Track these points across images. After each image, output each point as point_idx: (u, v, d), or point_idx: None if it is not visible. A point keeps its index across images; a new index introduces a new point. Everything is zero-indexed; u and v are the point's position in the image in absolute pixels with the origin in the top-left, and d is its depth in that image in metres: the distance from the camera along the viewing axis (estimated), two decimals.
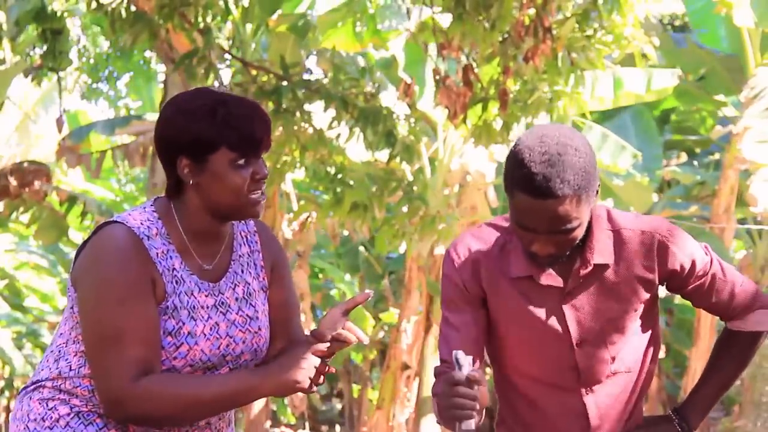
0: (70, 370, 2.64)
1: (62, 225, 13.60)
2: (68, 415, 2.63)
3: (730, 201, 14.83)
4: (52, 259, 20.63)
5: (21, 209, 13.23)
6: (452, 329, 2.83)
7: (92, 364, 2.56)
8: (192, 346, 2.60)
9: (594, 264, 2.76)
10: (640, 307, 2.80)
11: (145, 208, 2.68)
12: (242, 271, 2.74)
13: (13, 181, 12.81)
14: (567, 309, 2.78)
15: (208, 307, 2.65)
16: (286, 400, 20.03)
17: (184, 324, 2.60)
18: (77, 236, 19.48)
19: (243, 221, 2.78)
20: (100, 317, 2.55)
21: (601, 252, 2.76)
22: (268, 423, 15.97)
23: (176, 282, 2.62)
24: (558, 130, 2.68)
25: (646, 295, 2.79)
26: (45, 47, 12.31)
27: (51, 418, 2.63)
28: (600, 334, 2.78)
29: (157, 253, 2.61)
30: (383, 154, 10.73)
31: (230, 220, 2.69)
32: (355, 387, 22.38)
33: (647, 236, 2.78)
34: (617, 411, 2.83)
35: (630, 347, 2.82)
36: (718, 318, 2.91)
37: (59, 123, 12.89)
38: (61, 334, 2.70)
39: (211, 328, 2.64)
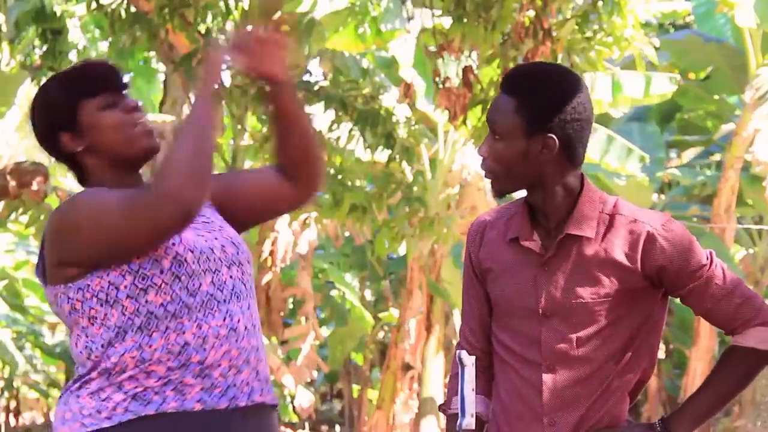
0: (103, 347, 2.66)
1: None
2: (124, 400, 2.64)
3: (730, 201, 14.83)
4: None
5: (20, 210, 13.22)
6: (466, 305, 2.90)
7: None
8: (181, 236, 2.69)
9: (566, 233, 2.72)
10: (613, 295, 2.72)
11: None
12: None
13: (12, 181, 12.80)
14: (540, 278, 2.75)
15: None
16: (294, 402, 20.05)
17: None
18: None
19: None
20: (93, 228, 2.63)
21: (580, 225, 2.73)
22: None
23: None
24: (568, 72, 2.80)
25: (620, 285, 2.72)
26: (45, 47, 12.31)
27: (107, 408, 2.64)
28: (567, 312, 2.74)
29: None
30: (383, 156, 10.73)
31: (135, 163, 2.78)
32: (355, 387, 22.38)
33: (638, 226, 2.73)
34: (576, 400, 2.75)
35: (600, 338, 2.74)
36: None
37: None
38: (72, 332, 2.73)
39: (185, 233, 2.73)
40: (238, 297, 2.76)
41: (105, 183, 2.75)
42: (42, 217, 13.39)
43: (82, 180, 2.80)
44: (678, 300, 2.83)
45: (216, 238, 2.77)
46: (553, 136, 2.70)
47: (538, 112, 2.69)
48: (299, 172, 2.94)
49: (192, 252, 2.69)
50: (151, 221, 2.58)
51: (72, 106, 2.73)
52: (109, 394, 2.64)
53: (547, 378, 2.76)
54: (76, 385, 2.69)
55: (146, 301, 2.66)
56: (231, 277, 2.76)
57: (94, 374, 2.67)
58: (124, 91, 2.78)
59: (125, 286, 2.65)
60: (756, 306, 2.77)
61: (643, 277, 2.73)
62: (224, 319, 2.71)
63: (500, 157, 2.72)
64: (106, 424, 2.63)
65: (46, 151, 2.80)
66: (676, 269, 2.73)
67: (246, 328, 2.74)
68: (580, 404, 2.76)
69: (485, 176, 2.78)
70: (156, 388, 2.65)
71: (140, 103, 2.78)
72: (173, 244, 2.66)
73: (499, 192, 2.78)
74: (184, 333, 2.66)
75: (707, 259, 2.76)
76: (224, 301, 2.72)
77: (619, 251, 2.72)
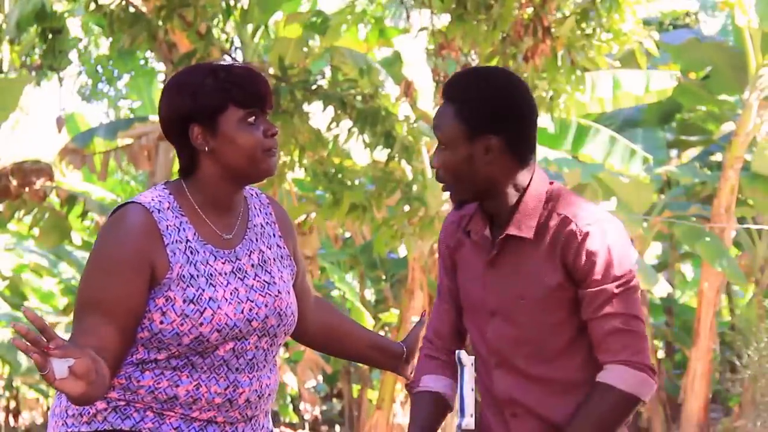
0: None
1: (64, 226, 13.61)
2: (105, 410, 2.65)
3: (730, 201, 14.83)
4: (52, 259, 20.64)
5: (22, 211, 13.24)
6: (437, 301, 2.90)
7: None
8: (215, 310, 2.62)
9: (506, 233, 2.71)
10: (550, 294, 2.69)
11: (156, 187, 2.73)
12: (257, 240, 2.77)
13: (13, 181, 12.81)
14: (487, 276, 2.75)
15: (226, 274, 2.68)
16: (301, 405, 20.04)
17: (203, 290, 2.63)
18: (78, 237, 19.48)
19: (256, 195, 2.84)
20: (84, 285, 2.62)
21: (520, 225, 2.70)
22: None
23: (190, 252, 2.65)
24: (504, 71, 2.81)
25: (555, 284, 2.68)
26: (44, 47, 12.32)
27: (89, 413, 2.65)
28: (510, 310, 2.72)
29: (168, 226, 2.64)
30: (382, 155, 10.73)
31: (248, 182, 2.73)
32: (355, 387, 22.37)
33: (566, 224, 2.69)
34: (532, 401, 2.73)
35: (543, 336, 2.71)
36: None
37: (59, 122, 12.89)
38: None
39: (231, 293, 2.65)
40: (252, 368, 2.70)
41: (209, 190, 2.69)
42: (46, 216, 13.41)
43: (186, 173, 2.72)
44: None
45: (264, 306, 2.70)
46: (494, 137, 2.68)
47: (475, 114, 2.67)
48: (315, 345, 3.03)
49: (219, 332, 2.63)
50: None
51: (221, 105, 2.65)
52: None
53: (497, 374, 2.75)
54: None
55: (155, 357, 2.65)
56: (256, 347, 2.70)
57: None
58: (268, 112, 2.72)
59: (141, 337, 2.64)
60: (633, 343, 2.66)
61: (567, 272, 2.69)
62: (226, 389, 2.67)
63: (449, 166, 2.70)
64: (84, 429, 2.65)
65: (166, 129, 2.72)
66: (582, 269, 2.67)
67: (248, 400, 2.69)
68: (534, 401, 2.73)
69: (442, 189, 2.75)
70: (137, 407, 2.65)
71: (276, 129, 2.71)
72: (201, 323, 2.61)
73: (458, 202, 2.76)
74: (177, 387, 2.65)
75: (623, 276, 2.68)
76: (236, 369, 2.68)
77: (551, 250, 2.70)
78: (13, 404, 26.38)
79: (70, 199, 13.31)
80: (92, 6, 9.76)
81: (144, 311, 2.62)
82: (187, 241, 2.66)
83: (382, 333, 20.32)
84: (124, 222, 2.63)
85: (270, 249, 2.78)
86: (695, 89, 16.05)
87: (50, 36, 12.27)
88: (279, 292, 2.74)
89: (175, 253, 2.63)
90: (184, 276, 2.62)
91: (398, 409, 14.21)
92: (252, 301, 2.68)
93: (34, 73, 12.87)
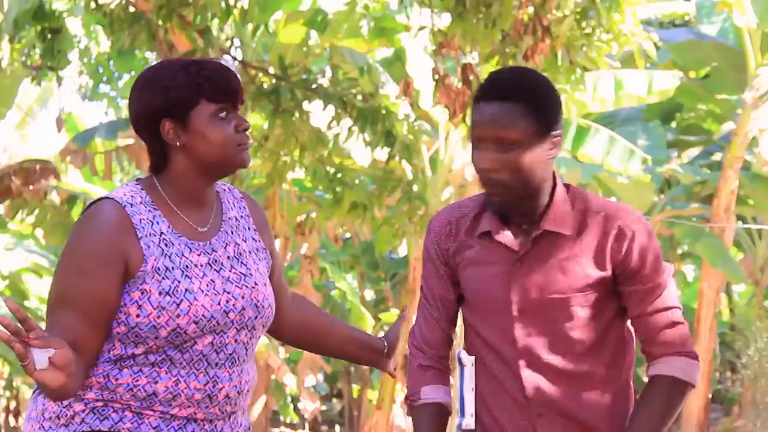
0: None
1: (67, 224, 13.62)
2: (83, 411, 2.63)
3: (730, 201, 14.83)
4: (52, 259, 20.65)
5: (25, 211, 13.24)
6: (426, 308, 2.85)
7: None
8: (192, 302, 2.61)
9: (544, 229, 2.70)
10: (590, 293, 2.71)
11: (127, 184, 2.73)
12: (232, 233, 2.77)
13: (16, 181, 12.82)
14: (513, 274, 2.72)
15: (201, 266, 2.67)
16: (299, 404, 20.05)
17: (179, 282, 2.62)
18: None
19: (228, 190, 2.85)
20: (57, 282, 2.61)
21: (557, 221, 2.70)
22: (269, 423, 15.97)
23: (165, 245, 2.64)
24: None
25: (593, 281, 2.70)
26: (44, 46, 12.31)
27: (66, 415, 2.63)
28: (541, 308, 2.71)
29: (141, 219, 2.63)
30: (383, 154, 10.73)
31: (220, 177, 2.73)
32: (355, 387, 22.37)
33: (609, 220, 2.71)
34: (562, 398, 2.72)
35: (576, 333, 2.72)
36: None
37: (59, 122, 12.89)
38: None
39: (207, 285, 2.65)
40: (233, 362, 2.69)
41: (181, 185, 2.69)
42: (48, 216, 13.41)
43: (157, 168, 2.72)
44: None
45: (241, 297, 2.69)
46: (560, 133, 2.71)
47: (547, 113, 2.68)
48: (294, 342, 3.02)
49: (196, 323, 2.61)
50: None
51: (193, 100, 2.65)
52: (71, 402, 2.63)
53: (527, 373, 2.73)
54: None
55: (132, 353, 2.63)
56: (235, 341, 2.69)
57: None
58: (240, 107, 2.72)
59: (118, 332, 2.62)
60: (683, 334, 2.74)
61: (612, 271, 2.71)
62: (206, 384, 2.65)
63: (519, 167, 2.66)
64: (62, 431, 2.63)
65: (136, 125, 2.71)
66: (634, 266, 2.71)
67: (227, 396, 2.68)
68: (570, 404, 2.73)
69: (491, 191, 2.69)
70: (116, 407, 2.63)
71: (248, 124, 2.72)
72: (178, 315, 2.59)
73: (501, 206, 2.73)
74: (156, 383, 2.63)
75: (665, 270, 2.74)
76: (215, 364, 2.66)
77: (591, 247, 2.71)
78: (13, 404, 26.39)
79: (71, 199, 13.31)
80: (92, 5, 9.76)
81: (119, 306, 2.60)
82: (161, 233, 2.65)
83: (382, 333, 20.31)
84: (97, 217, 2.62)
85: (245, 242, 2.78)
86: (695, 89, 16.06)
87: (49, 36, 12.26)
88: (256, 284, 2.73)
89: (149, 246, 2.62)
90: (159, 268, 2.61)
91: (398, 409, 14.21)
92: (229, 293, 2.67)
93: (34, 73, 12.85)
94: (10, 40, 12.20)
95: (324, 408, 26.51)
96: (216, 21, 10.41)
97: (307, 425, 22.96)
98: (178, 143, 2.66)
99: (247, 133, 2.72)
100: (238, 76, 2.76)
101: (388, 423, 14.20)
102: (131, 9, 9.58)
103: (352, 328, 3.07)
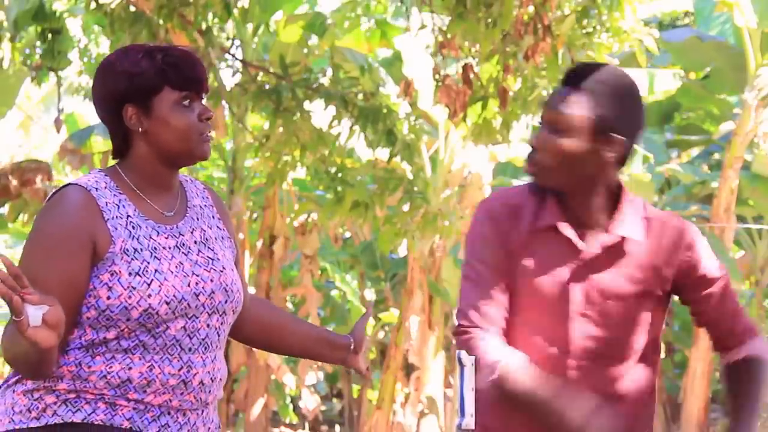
0: None
1: None
2: (55, 403, 2.60)
3: (730, 201, 14.83)
4: None
5: (26, 213, 13.23)
6: (487, 286, 2.74)
7: None
8: (162, 282, 2.60)
9: (620, 236, 2.69)
10: (651, 299, 2.72)
11: (91, 172, 2.73)
12: (197, 219, 2.77)
13: (13, 181, 12.81)
14: (577, 274, 2.70)
15: (170, 248, 2.67)
16: (300, 404, 20.01)
17: (148, 263, 2.61)
18: None
19: (190, 180, 2.85)
20: (24, 266, 2.57)
21: (628, 227, 2.70)
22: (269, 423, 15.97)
23: (132, 227, 2.64)
24: (632, 79, 2.78)
25: (655, 286, 2.72)
26: (44, 47, 12.30)
27: (37, 408, 2.61)
28: (602, 311, 2.70)
29: (107, 203, 2.63)
30: (384, 153, 10.73)
31: (181, 165, 2.73)
32: (355, 387, 22.36)
33: (677, 229, 2.73)
34: (607, 397, 2.71)
35: (632, 336, 2.73)
36: None
37: (58, 124, 12.88)
38: None
39: (176, 267, 2.64)
40: (206, 348, 2.68)
41: (144, 171, 2.69)
42: None
43: (120, 153, 2.72)
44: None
45: (209, 281, 2.68)
46: (623, 140, 2.68)
47: (611, 113, 2.66)
48: (255, 342, 3.00)
49: (167, 304, 2.60)
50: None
51: (156, 86, 2.65)
52: (42, 394, 2.61)
53: (573, 373, 2.71)
54: (15, 379, 2.66)
55: (104, 337, 2.61)
56: (208, 325, 2.68)
57: None
58: (204, 96, 2.73)
59: (88, 317, 2.61)
60: (749, 320, 2.82)
61: (672, 281, 2.74)
62: (180, 369, 2.64)
63: (560, 152, 2.67)
64: (33, 424, 2.61)
65: (99, 110, 2.72)
66: (701, 273, 2.74)
67: (202, 382, 2.67)
68: (610, 401, 2.72)
69: (529, 168, 2.69)
70: (88, 398, 2.61)
71: (212, 113, 2.72)
72: (149, 295, 2.58)
73: (542, 186, 2.72)
74: (130, 369, 2.60)
75: (724, 270, 2.80)
76: (189, 349, 2.65)
77: (662, 256, 2.72)
78: None
79: None
80: (92, 5, 9.75)
81: (87, 289, 2.59)
82: (128, 216, 2.65)
83: (382, 333, 20.29)
84: (62, 201, 2.62)
85: (210, 229, 2.78)
86: (695, 89, 16.05)
87: (50, 36, 12.26)
88: (224, 268, 2.73)
89: (116, 228, 2.62)
90: (127, 250, 2.61)
91: (398, 409, 14.20)
92: (197, 275, 2.67)
93: (34, 73, 12.85)
94: (10, 40, 12.18)
95: (324, 408, 26.50)
96: (216, 20, 10.41)
97: (307, 425, 22.94)
98: (140, 129, 2.67)
99: (210, 122, 2.72)
100: (202, 63, 2.75)
101: (388, 423, 14.19)
102: (132, 9, 9.57)
103: (313, 327, 3.04)
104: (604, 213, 2.72)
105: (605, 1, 8.57)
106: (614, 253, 2.71)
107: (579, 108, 2.66)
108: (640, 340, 2.74)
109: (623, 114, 2.68)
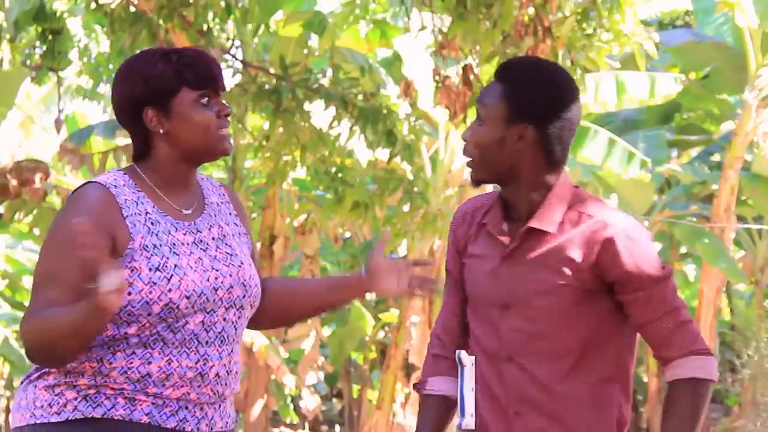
0: None
1: None
2: (75, 399, 2.64)
3: (730, 201, 14.84)
4: None
5: (23, 212, 13.23)
6: (445, 296, 2.89)
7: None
8: (182, 276, 2.64)
9: (528, 226, 2.71)
10: (566, 290, 2.69)
11: (109, 171, 2.77)
12: (215, 216, 2.81)
13: (12, 180, 12.81)
14: (502, 269, 2.73)
15: (188, 244, 2.71)
16: (300, 404, 20.03)
17: (168, 258, 2.65)
18: None
19: (206, 179, 2.88)
20: (43, 261, 2.63)
21: (543, 219, 2.71)
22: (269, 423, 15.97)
23: (151, 224, 2.68)
24: (564, 71, 2.79)
25: (574, 282, 2.69)
26: (44, 47, 12.31)
27: (58, 403, 2.64)
28: (525, 304, 2.71)
29: (126, 200, 2.67)
30: (384, 153, 10.74)
31: (202, 162, 2.78)
32: (355, 387, 22.39)
33: (600, 227, 2.69)
34: (539, 396, 2.71)
35: (556, 332, 2.71)
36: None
37: (58, 124, 12.89)
38: None
39: (195, 262, 2.68)
40: (222, 341, 2.72)
41: (165, 171, 2.74)
42: (48, 216, 13.39)
43: (141, 156, 2.76)
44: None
45: (228, 275, 2.73)
46: (531, 128, 2.69)
47: (522, 100, 2.68)
48: (278, 316, 2.98)
49: (187, 298, 2.64)
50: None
51: (174, 87, 2.70)
52: (63, 390, 2.65)
53: (506, 368, 2.73)
54: (36, 374, 2.70)
55: (125, 333, 2.65)
56: (225, 319, 2.72)
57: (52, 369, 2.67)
58: (222, 94, 2.77)
59: None
60: (692, 333, 2.72)
61: (594, 277, 2.70)
62: (197, 362, 2.68)
63: (479, 142, 2.71)
64: (54, 419, 2.65)
65: (120, 115, 2.76)
66: (627, 275, 2.68)
67: (218, 375, 2.70)
68: (543, 398, 2.71)
69: (467, 164, 2.76)
70: (108, 393, 2.65)
71: (230, 110, 2.77)
72: (170, 290, 2.62)
73: (476, 181, 2.77)
74: (149, 364, 2.65)
75: (662, 274, 2.72)
76: (206, 343, 2.69)
77: (576, 249, 2.69)
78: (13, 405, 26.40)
79: None
80: (92, 5, 9.76)
81: None
82: (147, 213, 2.69)
83: (381, 333, 20.31)
84: (82, 198, 2.66)
85: (228, 225, 2.83)
86: (695, 89, 16.06)
87: (50, 37, 12.26)
88: (242, 263, 2.77)
89: (135, 225, 2.66)
90: (147, 246, 2.65)
91: (398, 409, 14.21)
92: (217, 270, 2.71)
93: (34, 73, 12.85)
94: (10, 40, 12.19)
95: (324, 408, 26.52)
96: (217, 21, 10.41)
97: (307, 425, 22.96)
98: (161, 131, 2.71)
99: (228, 119, 2.77)
100: (217, 61, 2.81)
101: (388, 423, 14.20)
102: (132, 9, 9.58)
103: (320, 280, 3.12)
104: (532, 207, 2.73)
105: (605, 3, 8.58)
106: (530, 245, 2.72)
107: (493, 97, 2.71)
108: (570, 338, 2.71)
109: (539, 103, 2.68)
